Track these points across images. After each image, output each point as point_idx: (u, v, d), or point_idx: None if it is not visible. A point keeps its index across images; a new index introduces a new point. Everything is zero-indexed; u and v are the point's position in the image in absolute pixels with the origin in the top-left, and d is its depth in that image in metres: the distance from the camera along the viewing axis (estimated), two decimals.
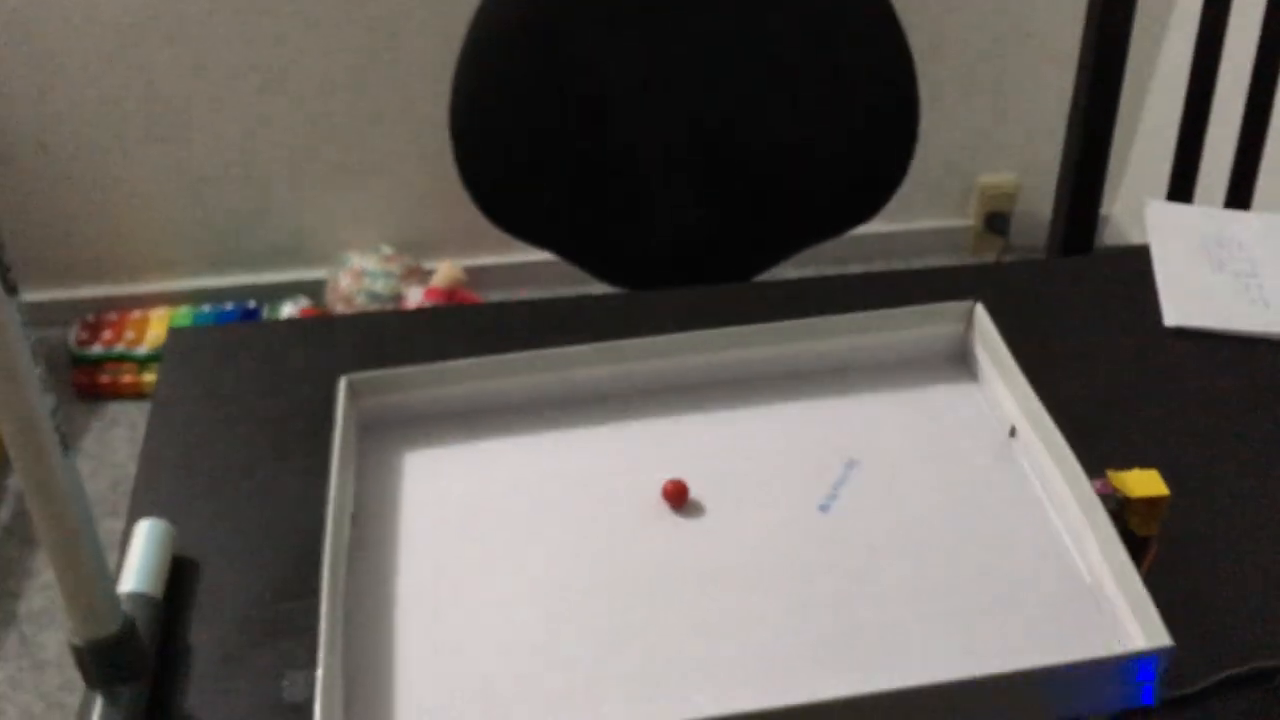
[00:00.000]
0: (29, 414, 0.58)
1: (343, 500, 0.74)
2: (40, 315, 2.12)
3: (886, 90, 1.29)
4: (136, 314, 2.11)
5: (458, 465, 0.80)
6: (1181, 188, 1.36)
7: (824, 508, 0.79)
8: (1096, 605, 0.72)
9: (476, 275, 2.21)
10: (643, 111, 1.28)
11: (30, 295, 2.12)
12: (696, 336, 0.84)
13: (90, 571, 0.64)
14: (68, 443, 0.61)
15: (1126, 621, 0.69)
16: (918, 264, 2.31)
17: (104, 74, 1.93)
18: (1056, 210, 1.47)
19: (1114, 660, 0.64)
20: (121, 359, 2.05)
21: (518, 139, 1.28)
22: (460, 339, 0.97)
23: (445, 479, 0.79)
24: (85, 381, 2.05)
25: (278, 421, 0.89)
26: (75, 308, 2.13)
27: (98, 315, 2.11)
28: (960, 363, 0.88)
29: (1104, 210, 2.34)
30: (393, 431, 0.82)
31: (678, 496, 0.77)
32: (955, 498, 0.79)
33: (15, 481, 1.89)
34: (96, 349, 2.05)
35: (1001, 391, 0.83)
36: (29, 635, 1.71)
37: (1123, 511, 0.82)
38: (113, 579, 0.67)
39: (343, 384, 0.79)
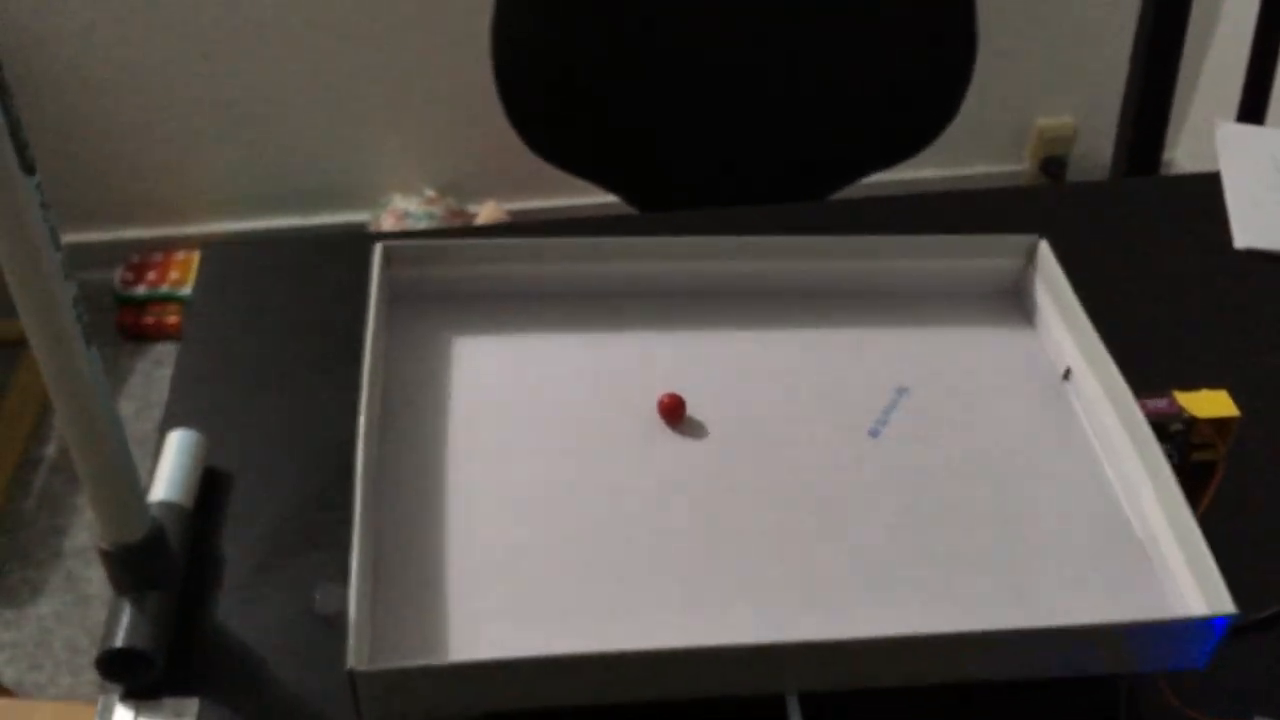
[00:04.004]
0: (50, 299, 0.56)
1: (376, 373, 0.72)
2: (84, 257, 2.12)
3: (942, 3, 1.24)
4: (181, 254, 2.10)
5: (497, 351, 0.78)
6: (1252, 115, 1.31)
7: (874, 432, 0.76)
8: (1147, 555, 0.69)
9: (520, 218, 2.18)
10: (688, 36, 1.25)
11: (74, 237, 2.12)
12: (746, 241, 0.81)
13: (116, 472, 0.63)
14: (90, 335, 0.59)
15: (1181, 577, 0.66)
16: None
17: (147, 11, 1.91)
18: (1118, 149, 1.42)
19: (1174, 623, 0.61)
20: (166, 299, 2.05)
21: (561, 65, 1.25)
22: None
23: (481, 365, 0.77)
24: (130, 322, 2.05)
25: (314, 335, 0.87)
26: (119, 249, 2.13)
27: (142, 256, 2.10)
28: (1016, 298, 0.84)
29: (1166, 155, 2.26)
30: (426, 309, 0.80)
31: (673, 411, 0.74)
32: (1007, 435, 0.76)
33: None
34: (141, 290, 2.05)
35: (1060, 332, 0.79)
36: (75, 571, 1.71)
37: (1189, 432, 0.78)
38: (140, 481, 0.65)
39: (377, 250, 0.77)
